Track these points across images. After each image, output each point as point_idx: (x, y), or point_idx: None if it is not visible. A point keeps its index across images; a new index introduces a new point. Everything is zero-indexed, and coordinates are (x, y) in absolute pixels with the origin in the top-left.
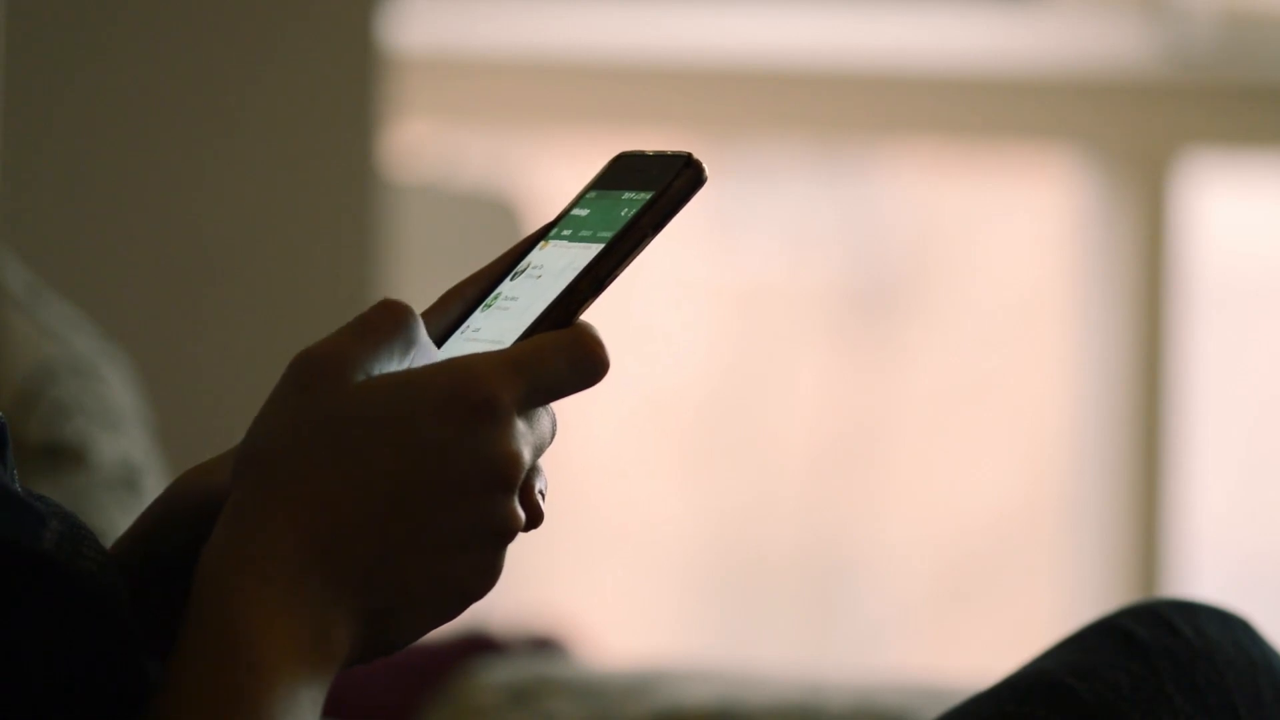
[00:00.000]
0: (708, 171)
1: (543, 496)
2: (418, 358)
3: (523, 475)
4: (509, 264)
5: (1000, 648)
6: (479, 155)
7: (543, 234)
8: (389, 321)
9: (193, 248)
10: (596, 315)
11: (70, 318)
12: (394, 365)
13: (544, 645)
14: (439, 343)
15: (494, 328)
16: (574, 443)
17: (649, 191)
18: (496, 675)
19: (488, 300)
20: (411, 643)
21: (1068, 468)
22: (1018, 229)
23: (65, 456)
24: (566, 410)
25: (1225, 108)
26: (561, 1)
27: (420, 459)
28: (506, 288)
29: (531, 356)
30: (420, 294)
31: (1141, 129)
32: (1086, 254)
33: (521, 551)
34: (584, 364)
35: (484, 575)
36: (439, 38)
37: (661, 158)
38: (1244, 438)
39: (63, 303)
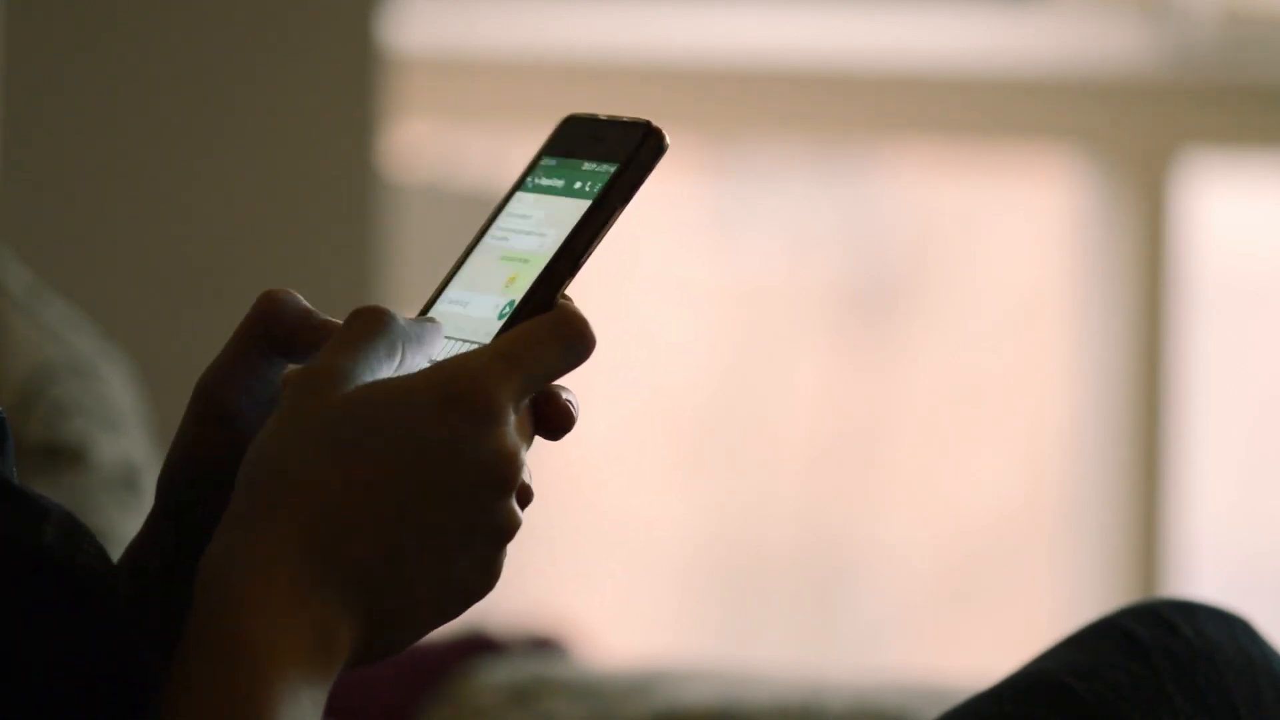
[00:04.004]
0: (669, 139)
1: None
2: (408, 355)
3: (520, 474)
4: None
5: (1000, 648)
6: (479, 155)
7: (508, 196)
8: (369, 327)
9: (193, 248)
10: (596, 314)
11: (70, 318)
12: (384, 368)
13: (544, 645)
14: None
15: (478, 303)
16: (574, 443)
17: (611, 163)
18: (496, 675)
19: (462, 264)
20: (412, 644)
21: (1068, 468)
22: (1018, 229)
23: (65, 456)
24: None
25: (1225, 108)
26: (561, 1)
27: (421, 462)
28: (478, 253)
29: (522, 348)
30: (420, 294)
31: (1141, 129)
32: (1086, 254)
33: (521, 551)
34: (571, 345)
35: (485, 575)
36: (439, 38)
37: (618, 125)
38: (1244, 438)
39: (63, 303)
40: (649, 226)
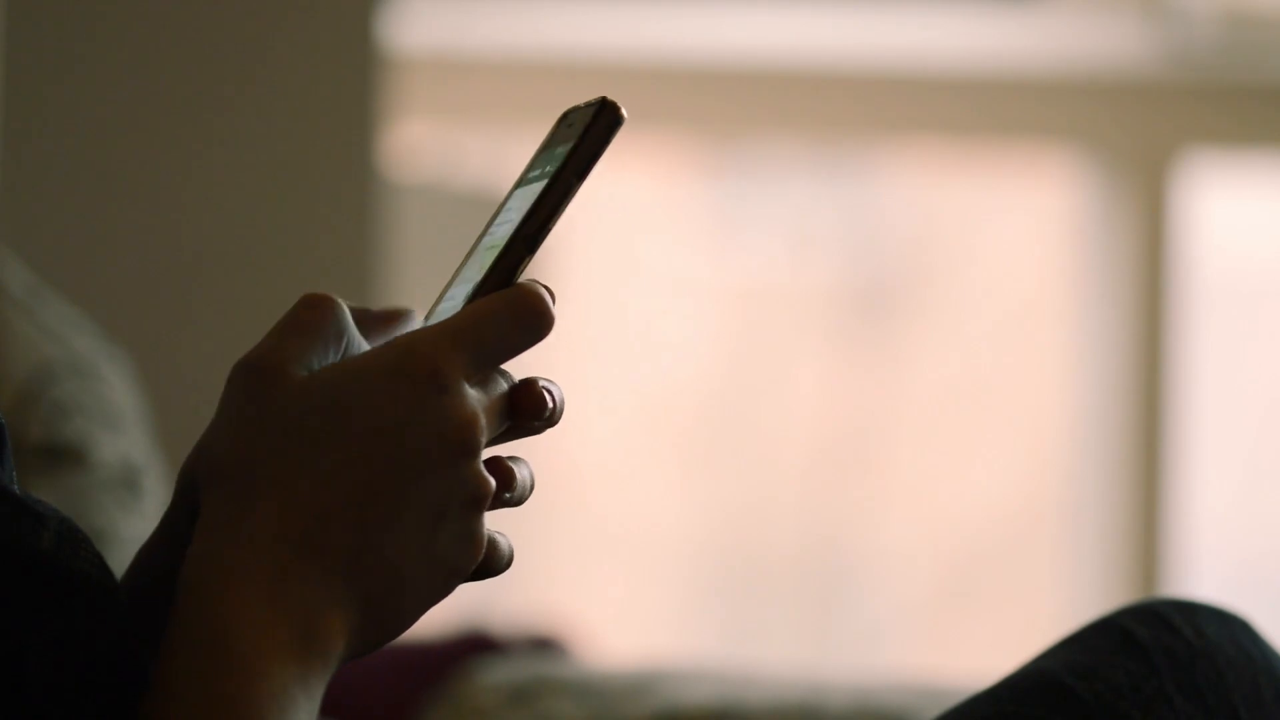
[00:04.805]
0: (624, 111)
1: (530, 478)
2: (349, 348)
3: (483, 438)
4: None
5: (1000, 648)
6: (478, 155)
7: (509, 195)
8: (316, 315)
9: (193, 248)
10: (597, 314)
11: (70, 318)
12: (330, 356)
13: (544, 645)
14: (428, 311)
15: (459, 295)
16: (574, 444)
17: (571, 143)
18: (496, 675)
19: (463, 264)
20: (409, 625)
21: (1068, 468)
22: (1018, 229)
23: (65, 456)
24: (567, 411)
25: (1225, 108)
26: (561, 1)
27: (379, 440)
28: (475, 251)
29: (469, 321)
30: (420, 294)
31: (1141, 129)
32: (1086, 254)
33: (522, 552)
34: (525, 320)
35: (468, 545)
36: (439, 38)
37: (584, 107)
38: (1245, 439)
39: (63, 303)
40: (649, 226)
